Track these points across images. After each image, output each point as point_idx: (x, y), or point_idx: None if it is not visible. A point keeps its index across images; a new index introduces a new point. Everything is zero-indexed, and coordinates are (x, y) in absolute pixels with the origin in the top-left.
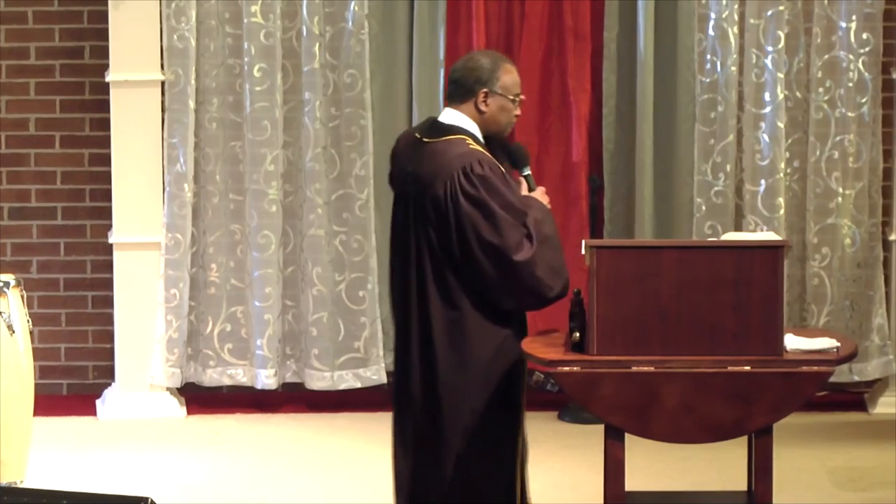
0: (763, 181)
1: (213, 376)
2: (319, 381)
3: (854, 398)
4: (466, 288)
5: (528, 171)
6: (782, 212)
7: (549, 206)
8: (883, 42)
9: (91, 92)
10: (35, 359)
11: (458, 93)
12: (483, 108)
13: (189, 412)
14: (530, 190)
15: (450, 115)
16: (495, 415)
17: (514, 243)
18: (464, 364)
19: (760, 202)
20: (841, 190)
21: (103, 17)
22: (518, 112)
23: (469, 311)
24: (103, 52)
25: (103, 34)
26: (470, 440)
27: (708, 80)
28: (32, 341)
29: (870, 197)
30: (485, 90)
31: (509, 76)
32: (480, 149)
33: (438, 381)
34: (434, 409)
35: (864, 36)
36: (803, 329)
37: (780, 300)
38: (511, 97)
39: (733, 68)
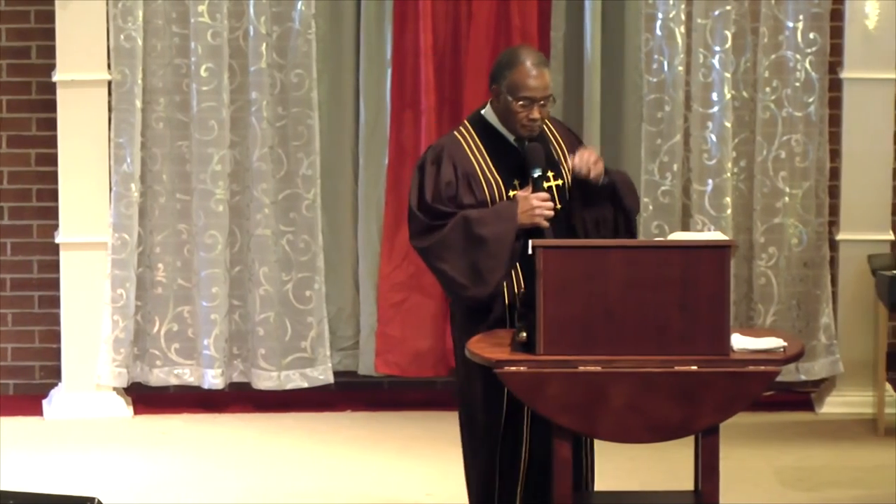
0: (710, 181)
1: (159, 376)
2: (266, 380)
3: (801, 398)
4: None
5: (536, 173)
6: (729, 211)
7: (537, 213)
8: (830, 42)
9: (38, 92)
10: None
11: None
12: (496, 103)
13: (136, 412)
14: (534, 192)
15: (486, 105)
16: (472, 415)
17: (413, 230)
18: (456, 362)
19: (708, 202)
20: (788, 189)
21: (50, 16)
22: (531, 115)
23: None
24: (50, 52)
25: (50, 34)
26: (462, 437)
27: (655, 80)
28: None
29: (816, 196)
30: (494, 86)
31: (517, 77)
32: (460, 137)
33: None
34: None
35: (811, 36)
36: (750, 329)
37: (727, 300)
38: (512, 98)
39: (680, 68)
